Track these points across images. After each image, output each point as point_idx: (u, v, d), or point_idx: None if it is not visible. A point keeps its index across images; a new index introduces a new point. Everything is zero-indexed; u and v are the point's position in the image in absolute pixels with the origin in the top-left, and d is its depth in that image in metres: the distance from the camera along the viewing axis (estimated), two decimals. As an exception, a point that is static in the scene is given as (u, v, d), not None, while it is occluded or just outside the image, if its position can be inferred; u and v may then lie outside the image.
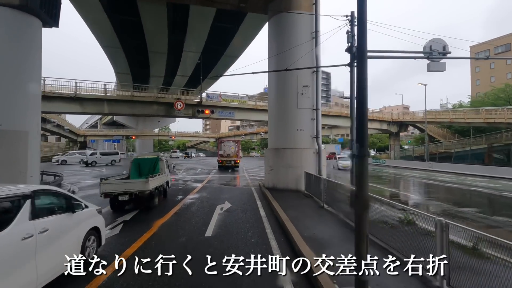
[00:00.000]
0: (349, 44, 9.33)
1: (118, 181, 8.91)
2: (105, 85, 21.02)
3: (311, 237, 5.90)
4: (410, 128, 49.07)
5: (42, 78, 19.47)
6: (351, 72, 9.37)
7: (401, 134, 40.76)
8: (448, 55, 9.64)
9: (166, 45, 27.48)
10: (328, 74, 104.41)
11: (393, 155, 36.83)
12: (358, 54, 3.50)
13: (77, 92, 19.76)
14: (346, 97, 45.08)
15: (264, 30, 26.66)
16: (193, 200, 10.97)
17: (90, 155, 34.47)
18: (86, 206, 4.94)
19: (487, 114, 27.02)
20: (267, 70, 13.56)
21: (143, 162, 11.42)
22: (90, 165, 32.01)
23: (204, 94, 28.68)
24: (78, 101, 20.01)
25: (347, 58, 9.51)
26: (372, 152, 55.39)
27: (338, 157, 26.60)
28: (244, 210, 9.06)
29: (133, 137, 65.46)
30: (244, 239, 6.18)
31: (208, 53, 30.58)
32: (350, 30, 9.30)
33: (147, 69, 34.69)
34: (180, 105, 22.40)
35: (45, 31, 11.51)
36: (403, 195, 13.87)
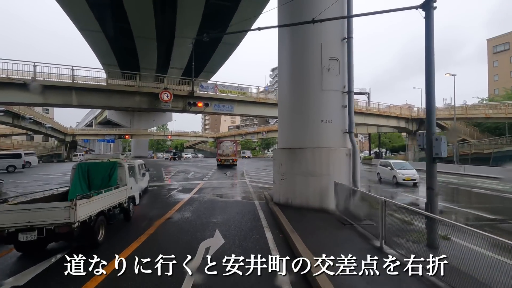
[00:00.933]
0: (423, -28, 5.54)
1: (18, 207, 5.04)
2: (72, 70, 17.08)
3: None
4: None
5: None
6: (427, 17, 5.55)
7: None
8: None
9: (153, 28, 23.74)
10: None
11: (411, 156, 32.94)
12: None
13: (36, 78, 15.92)
14: (359, 93, 41.48)
15: (268, 11, 22.87)
16: (166, 228, 7.15)
17: None
18: None
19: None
20: (277, 37, 9.72)
21: (94, 168, 7.61)
22: None
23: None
24: (39, 89, 16.17)
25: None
26: (384, 153, 51.46)
27: (393, 163, 16.90)
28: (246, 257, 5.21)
29: (127, 136, 61.61)
30: None
31: (203, 41, 26.84)
32: None
33: (136, 60, 31.01)
34: (167, 96, 18.55)
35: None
36: (477, 216, 10.00)
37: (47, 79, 16.54)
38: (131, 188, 8.01)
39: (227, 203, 10.52)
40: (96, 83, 17.59)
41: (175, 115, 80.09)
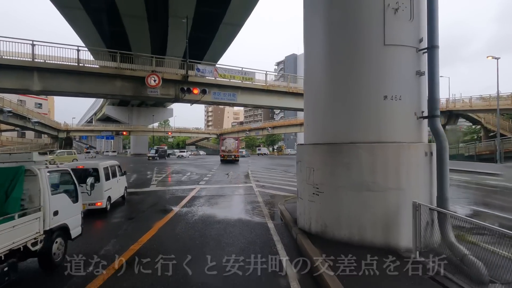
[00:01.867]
0: None
1: None
2: (33, 45, 13.49)
3: None
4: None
5: None
6: None
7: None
8: None
9: (143, 5, 20.26)
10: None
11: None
12: None
13: (-17, 55, 12.55)
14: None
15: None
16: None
17: None
18: None
19: None
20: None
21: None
22: None
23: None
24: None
25: None
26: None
27: None
28: None
29: (124, 133, 58.49)
30: None
31: (202, 21, 23.28)
32: None
33: (128, 47, 27.56)
34: (154, 81, 15.05)
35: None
36: None
37: (4, 57, 13.12)
38: (55, 214, 4.56)
39: (226, 226, 7.04)
40: (64, 63, 14.12)
41: (176, 111, 76.80)
